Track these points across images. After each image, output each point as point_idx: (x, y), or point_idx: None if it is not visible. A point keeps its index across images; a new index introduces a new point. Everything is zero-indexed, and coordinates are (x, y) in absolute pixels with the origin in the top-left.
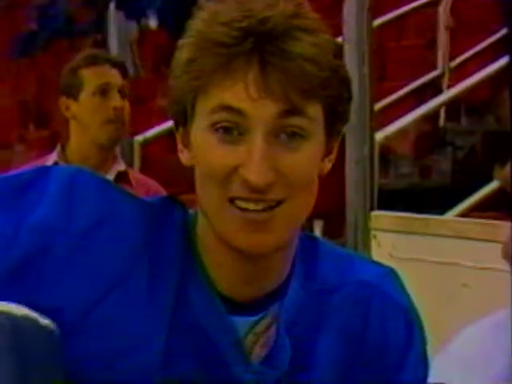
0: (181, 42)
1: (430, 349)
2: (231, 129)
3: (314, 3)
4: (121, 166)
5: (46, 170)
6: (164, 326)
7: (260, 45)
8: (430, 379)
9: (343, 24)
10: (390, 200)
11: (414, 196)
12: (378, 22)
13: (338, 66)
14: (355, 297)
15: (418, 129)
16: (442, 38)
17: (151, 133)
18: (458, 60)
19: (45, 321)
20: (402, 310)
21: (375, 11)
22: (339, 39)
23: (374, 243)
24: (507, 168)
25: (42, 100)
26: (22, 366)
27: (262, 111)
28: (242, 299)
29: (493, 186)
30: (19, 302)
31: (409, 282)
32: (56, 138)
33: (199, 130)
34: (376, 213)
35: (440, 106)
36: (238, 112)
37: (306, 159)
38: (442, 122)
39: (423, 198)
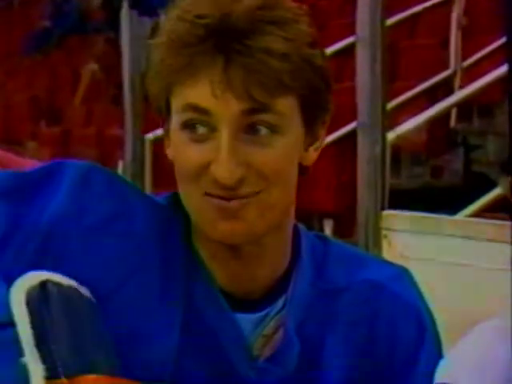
0: (154, 41)
1: (443, 349)
2: (199, 127)
3: (325, 2)
4: None
5: (59, 165)
6: (177, 322)
7: (224, 42)
8: (437, 380)
9: (356, 22)
10: (401, 200)
11: (426, 196)
12: (390, 21)
13: (311, 56)
14: (364, 297)
15: (429, 129)
16: (455, 37)
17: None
18: (471, 60)
19: (85, 291)
20: (412, 310)
21: (388, 10)
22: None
23: (384, 243)
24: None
25: (53, 96)
26: (75, 335)
27: (226, 109)
28: (243, 295)
29: None
30: None
31: (420, 281)
32: (68, 135)
33: (174, 128)
34: (387, 212)
35: (452, 106)
36: (204, 111)
37: (280, 154)
38: (453, 122)
39: (435, 198)
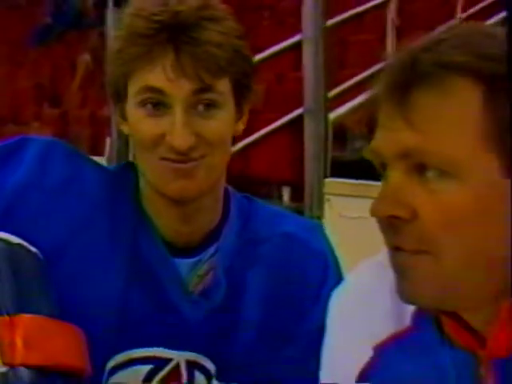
0: (115, 34)
1: None
2: (155, 104)
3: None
4: None
5: (24, 141)
6: (123, 267)
7: (174, 35)
8: (330, 310)
9: (302, 24)
10: (345, 170)
11: (365, 166)
12: (338, 19)
13: (240, 47)
14: (281, 245)
15: (369, 109)
16: (391, 33)
17: None
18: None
19: (34, 249)
20: (319, 255)
21: (338, 9)
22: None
23: (327, 205)
24: None
25: (54, 83)
26: (18, 284)
27: (179, 90)
28: (182, 243)
29: None
30: None
31: (356, 235)
32: (66, 115)
33: (131, 106)
34: (329, 180)
35: None
36: (160, 91)
37: (221, 124)
38: None
39: (372, 168)
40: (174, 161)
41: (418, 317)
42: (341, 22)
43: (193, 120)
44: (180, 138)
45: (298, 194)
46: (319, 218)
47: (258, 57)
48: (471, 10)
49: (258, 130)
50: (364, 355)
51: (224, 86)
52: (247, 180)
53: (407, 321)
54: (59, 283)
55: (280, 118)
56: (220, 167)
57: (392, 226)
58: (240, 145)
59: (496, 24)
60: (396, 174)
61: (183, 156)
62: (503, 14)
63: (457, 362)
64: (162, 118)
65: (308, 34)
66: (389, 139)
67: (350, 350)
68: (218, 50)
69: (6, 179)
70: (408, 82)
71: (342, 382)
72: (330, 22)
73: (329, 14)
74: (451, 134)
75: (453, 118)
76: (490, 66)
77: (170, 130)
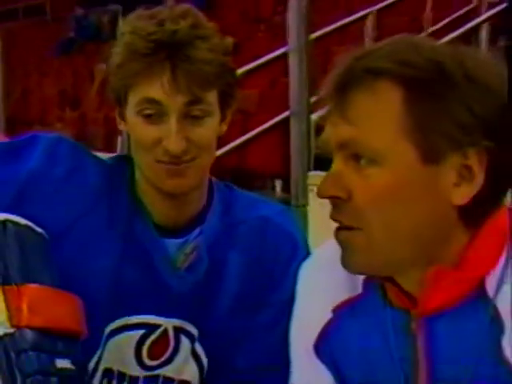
0: (113, 50)
1: None
2: (153, 114)
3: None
4: None
5: (34, 137)
6: (117, 247)
7: (171, 54)
8: (298, 279)
9: (288, 36)
10: (326, 164)
11: None
12: (323, 31)
13: (226, 62)
14: (257, 227)
15: None
16: (368, 45)
17: None
18: None
19: (39, 229)
20: (290, 237)
21: (324, 22)
22: None
23: (310, 195)
24: None
25: (75, 89)
26: (24, 258)
27: (174, 102)
28: (171, 226)
29: None
30: None
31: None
32: (84, 117)
33: (131, 113)
34: (312, 173)
35: None
36: (157, 103)
37: (209, 130)
38: None
39: None
40: (168, 163)
41: (367, 283)
42: (324, 34)
43: (185, 127)
44: (174, 144)
45: (288, 186)
46: (304, 205)
47: (254, 64)
48: (436, 26)
49: (253, 129)
50: (325, 317)
51: (212, 97)
52: (244, 173)
53: (360, 288)
54: (64, 259)
55: (272, 118)
56: (208, 167)
57: (334, 205)
58: (237, 142)
59: (458, 37)
60: (337, 162)
61: (176, 159)
62: (462, 29)
63: (395, 320)
64: (159, 125)
65: (293, 46)
66: (331, 132)
67: (315, 314)
68: (208, 67)
69: (20, 169)
70: (345, 85)
71: (308, 341)
72: (315, 35)
73: (313, 28)
74: (377, 128)
75: (378, 114)
76: (410, 71)
77: (165, 136)
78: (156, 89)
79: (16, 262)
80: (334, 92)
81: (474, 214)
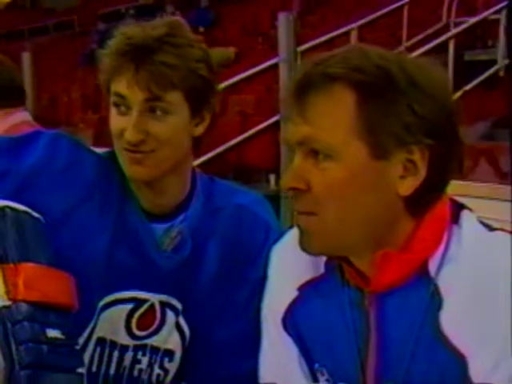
0: (104, 51)
1: None
2: (120, 106)
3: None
4: None
5: (38, 133)
6: (109, 230)
7: (137, 55)
8: (269, 260)
9: (278, 48)
10: None
11: None
12: (311, 43)
13: (197, 68)
14: (234, 214)
15: None
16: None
17: None
18: None
19: (36, 214)
20: (263, 224)
21: (312, 36)
22: None
23: None
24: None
25: (97, 94)
26: (22, 240)
27: (135, 97)
28: (158, 212)
29: None
30: None
31: None
32: (104, 119)
33: (111, 105)
34: None
35: None
36: (123, 97)
37: (170, 126)
38: None
39: None
40: (128, 150)
41: (329, 265)
42: (311, 47)
43: (146, 121)
44: (131, 134)
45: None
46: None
47: (251, 71)
48: (412, 41)
49: (251, 129)
50: (292, 295)
51: (174, 97)
52: (243, 168)
53: (322, 268)
54: (62, 243)
55: (268, 120)
56: (169, 160)
57: (295, 196)
58: (236, 140)
59: (431, 49)
60: (298, 157)
61: (134, 147)
62: (433, 43)
63: (351, 297)
64: (124, 116)
65: (283, 57)
66: (292, 130)
67: (282, 291)
68: (170, 70)
69: (24, 162)
70: (304, 87)
71: (277, 316)
72: (303, 47)
73: (303, 41)
74: (332, 127)
75: (334, 115)
76: (361, 77)
77: (126, 127)
78: (122, 85)
79: (14, 243)
80: (294, 94)
81: (418, 203)
